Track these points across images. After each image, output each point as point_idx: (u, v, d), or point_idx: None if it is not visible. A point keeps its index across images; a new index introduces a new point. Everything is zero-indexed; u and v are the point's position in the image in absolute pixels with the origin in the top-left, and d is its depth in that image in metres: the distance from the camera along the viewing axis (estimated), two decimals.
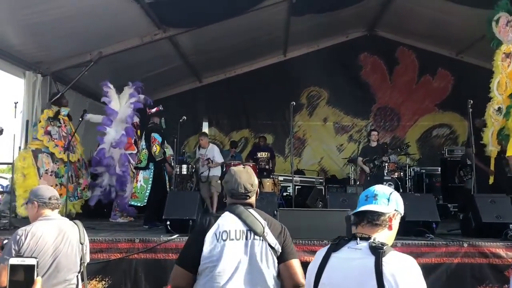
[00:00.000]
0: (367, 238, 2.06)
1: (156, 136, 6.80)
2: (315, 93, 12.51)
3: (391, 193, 2.17)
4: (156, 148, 6.75)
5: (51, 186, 6.62)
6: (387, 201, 2.13)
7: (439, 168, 10.50)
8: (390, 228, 2.12)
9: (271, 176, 9.74)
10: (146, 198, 6.87)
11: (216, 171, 8.70)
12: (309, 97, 12.51)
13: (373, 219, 2.10)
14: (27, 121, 7.82)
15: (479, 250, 4.72)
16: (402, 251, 4.81)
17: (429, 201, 5.71)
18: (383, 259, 1.95)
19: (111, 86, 8.02)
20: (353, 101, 12.27)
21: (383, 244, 2.00)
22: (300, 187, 10.43)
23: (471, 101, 6.39)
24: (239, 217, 2.51)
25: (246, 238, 2.47)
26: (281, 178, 10.41)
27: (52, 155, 7.22)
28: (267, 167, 10.23)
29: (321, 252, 2.14)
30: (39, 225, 3.35)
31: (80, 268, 3.43)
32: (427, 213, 5.46)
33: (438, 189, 10.24)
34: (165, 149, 7.05)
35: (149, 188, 6.87)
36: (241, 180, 2.59)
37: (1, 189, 10.89)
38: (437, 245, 4.86)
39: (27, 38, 7.39)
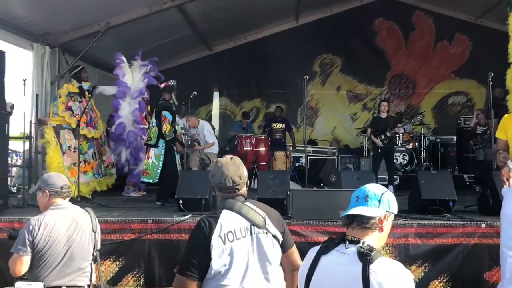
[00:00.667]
0: (356, 242, 2.03)
1: (166, 114, 6.71)
2: (328, 61, 12.31)
3: (382, 194, 2.11)
4: (166, 127, 6.68)
5: (75, 162, 6.68)
6: (378, 202, 2.09)
7: (455, 138, 10.35)
8: (381, 230, 2.08)
9: (285, 148, 9.67)
10: (158, 175, 6.85)
11: (214, 149, 8.34)
12: (322, 64, 12.32)
13: (363, 222, 2.06)
14: (37, 95, 7.77)
15: (497, 231, 4.65)
16: (417, 232, 4.82)
17: (446, 178, 5.61)
18: (371, 266, 1.92)
19: (124, 58, 7.89)
20: (367, 69, 12.03)
21: (371, 250, 1.97)
22: (313, 158, 10.39)
23: (492, 73, 6.19)
24: (239, 213, 2.43)
25: (251, 234, 2.42)
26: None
27: (73, 131, 7.06)
28: (281, 138, 10.16)
29: (312, 253, 2.13)
30: (52, 215, 3.34)
31: (93, 256, 3.44)
32: (444, 191, 5.38)
33: (454, 160, 10.14)
34: (175, 127, 6.97)
35: (160, 165, 6.86)
36: (229, 173, 2.49)
37: (16, 159, 10.87)
38: (454, 225, 4.79)
39: (33, 8, 7.25)
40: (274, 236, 2.47)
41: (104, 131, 8.02)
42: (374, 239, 2.08)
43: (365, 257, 1.95)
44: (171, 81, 7.08)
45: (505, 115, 4.13)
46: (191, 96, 7.09)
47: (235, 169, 2.51)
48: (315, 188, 7.42)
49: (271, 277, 2.45)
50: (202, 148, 8.10)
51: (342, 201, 5.01)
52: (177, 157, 6.98)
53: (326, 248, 2.10)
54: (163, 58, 10.48)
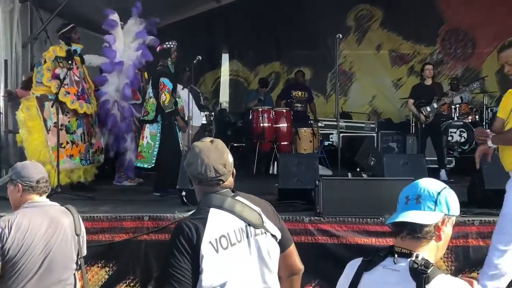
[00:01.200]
0: (407, 255, 1.96)
1: (165, 82, 6.65)
2: (365, 13, 12.23)
3: (439, 193, 2.00)
4: (165, 97, 6.62)
5: (62, 142, 6.66)
6: (434, 204, 1.98)
7: None
8: (438, 238, 2.00)
9: (310, 124, 9.59)
10: (154, 158, 6.83)
11: (195, 121, 8.06)
12: (357, 18, 12.24)
13: (415, 230, 1.97)
14: (5, 61, 7.76)
15: None
16: (479, 231, 4.73)
17: None
18: (427, 286, 1.85)
19: (117, 18, 7.73)
20: (414, 22, 11.94)
21: (427, 265, 1.89)
22: (346, 135, 10.33)
23: None
24: (232, 211, 2.36)
25: (248, 237, 2.36)
26: (321, 124, 10.31)
27: (62, 104, 6.82)
28: (304, 109, 10.11)
29: (351, 269, 2.07)
30: (25, 214, 3.32)
31: (77, 264, 3.43)
32: None
33: None
34: (176, 99, 6.92)
35: (157, 146, 6.82)
36: (209, 161, 2.39)
37: None
38: None
39: None
40: (273, 236, 2.43)
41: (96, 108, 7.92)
42: (430, 251, 2.00)
43: (420, 274, 1.88)
44: (168, 43, 6.96)
45: (510, 89, 4.12)
46: (194, 62, 7.00)
47: (218, 155, 2.42)
48: (350, 176, 7.39)
49: (271, 283, 2.42)
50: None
51: (385, 192, 4.93)
52: (180, 135, 6.93)
53: (369, 263, 2.02)
54: (159, 12, 10.37)
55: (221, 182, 2.41)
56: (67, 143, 6.92)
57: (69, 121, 7.00)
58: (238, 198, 2.42)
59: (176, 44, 6.97)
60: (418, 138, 8.21)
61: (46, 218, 3.35)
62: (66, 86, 6.92)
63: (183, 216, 4.87)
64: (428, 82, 8.23)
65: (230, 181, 2.45)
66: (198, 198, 2.47)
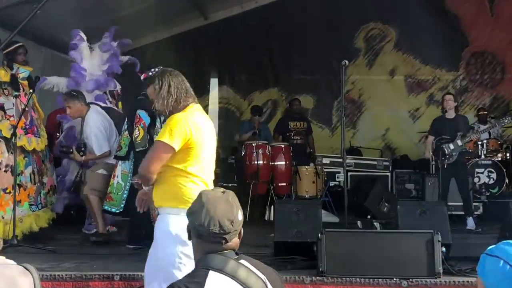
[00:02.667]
0: None
1: (142, 115, 6.62)
2: (377, 32, 12.28)
3: None
4: (138, 132, 6.59)
5: (6, 188, 6.56)
6: None
7: None
8: None
9: (312, 160, 9.61)
10: (124, 201, 6.79)
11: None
12: (368, 38, 12.29)
13: None
14: None
15: None
16: None
17: None
18: None
19: (84, 36, 7.84)
20: (434, 44, 11.94)
21: None
22: (355, 174, 10.34)
23: None
24: (234, 277, 2.33)
25: None
26: (326, 161, 10.28)
27: (6, 140, 6.72)
28: (304, 143, 10.17)
29: None
30: None
31: None
32: None
33: None
34: (153, 136, 6.90)
35: (127, 188, 6.79)
36: (216, 214, 2.39)
37: None
38: None
39: None
40: None
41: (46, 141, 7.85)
42: None
43: None
44: (154, 70, 6.99)
45: None
46: None
47: (227, 209, 2.42)
48: (359, 224, 7.37)
49: None
50: (85, 160, 7.48)
51: (400, 247, 4.95)
52: None
53: None
54: (137, 31, 10.46)
55: (224, 241, 2.39)
56: (13, 187, 6.62)
57: (17, 160, 6.67)
58: (242, 261, 2.40)
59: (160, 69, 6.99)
60: (439, 179, 8.18)
61: (2, 281, 3.30)
62: (12, 118, 6.86)
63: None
64: (451, 114, 8.23)
65: (235, 242, 2.44)
66: (195, 256, 2.46)
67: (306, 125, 10.35)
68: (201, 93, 12.37)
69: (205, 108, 12.44)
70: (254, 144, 9.18)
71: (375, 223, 7.51)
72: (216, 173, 10.78)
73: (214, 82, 12.59)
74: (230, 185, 10.24)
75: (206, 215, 2.38)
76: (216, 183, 10.78)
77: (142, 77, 6.96)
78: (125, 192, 6.83)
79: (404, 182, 10.32)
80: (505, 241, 2.10)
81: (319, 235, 4.98)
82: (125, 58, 7.85)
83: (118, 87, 8.15)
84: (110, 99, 8.05)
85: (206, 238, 2.39)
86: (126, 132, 6.87)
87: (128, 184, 6.81)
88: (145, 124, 6.65)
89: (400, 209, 5.86)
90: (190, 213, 2.45)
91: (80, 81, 7.83)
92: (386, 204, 8.15)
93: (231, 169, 10.54)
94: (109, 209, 6.96)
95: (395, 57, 12.31)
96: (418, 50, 12.18)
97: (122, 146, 6.91)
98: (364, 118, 12.34)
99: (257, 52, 12.28)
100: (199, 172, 3.77)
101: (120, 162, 6.92)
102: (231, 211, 2.43)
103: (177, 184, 3.70)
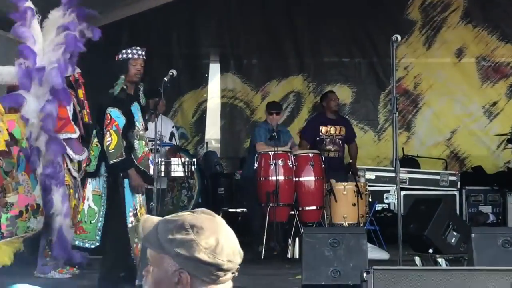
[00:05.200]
0: None
1: (113, 114, 6.66)
2: (437, 1, 12.26)
3: None
4: (110, 139, 6.62)
5: None
6: None
7: None
8: None
9: (352, 175, 9.60)
10: (99, 232, 6.82)
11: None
12: (426, 6, 12.32)
13: None
14: None
15: None
16: None
17: None
18: None
19: (31, 5, 7.85)
20: None
21: None
22: (411, 194, 10.30)
23: None
24: None
25: None
26: (371, 176, 10.33)
27: None
28: (340, 154, 10.14)
29: None
30: None
31: None
32: None
33: None
34: (133, 141, 6.89)
35: (102, 214, 6.85)
36: (230, 242, 2.47)
37: None
38: None
39: None
40: None
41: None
42: None
43: None
44: (125, 51, 7.01)
45: None
46: (165, 78, 7.06)
47: (235, 238, 2.48)
48: (418, 262, 7.33)
49: None
50: None
51: None
52: (134, 199, 6.91)
53: None
54: (111, 1, 10.49)
55: (222, 278, 2.44)
56: None
57: None
58: None
59: (141, 53, 6.99)
60: None
61: None
62: None
63: None
64: None
65: (228, 278, 2.48)
66: None
67: (345, 130, 10.23)
68: (197, 84, 12.42)
69: (203, 104, 12.52)
70: (271, 154, 9.11)
71: (439, 260, 7.55)
72: (217, 194, 10.91)
73: (214, 69, 12.65)
74: (238, 210, 10.25)
75: (228, 247, 2.43)
76: (217, 207, 10.91)
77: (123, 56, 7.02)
78: (100, 220, 6.85)
79: (478, 203, 10.33)
80: None
81: (365, 275, 4.93)
82: (83, 26, 7.81)
83: (76, 70, 8.11)
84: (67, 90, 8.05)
85: (204, 274, 2.42)
86: (96, 140, 6.91)
87: (103, 208, 6.83)
88: (119, 127, 6.67)
89: (475, 239, 5.84)
90: (182, 243, 2.45)
91: (31, 72, 7.79)
92: (455, 233, 8.07)
93: (238, 188, 10.58)
94: (82, 244, 6.97)
95: (464, 32, 12.34)
96: (495, 22, 12.22)
97: (91, 158, 6.94)
98: (422, 117, 12.33)
99: (274, 27, 12.35)
100: None
101: (89, 180, 6.97)
102: (237, 241, 2.47)
103: None
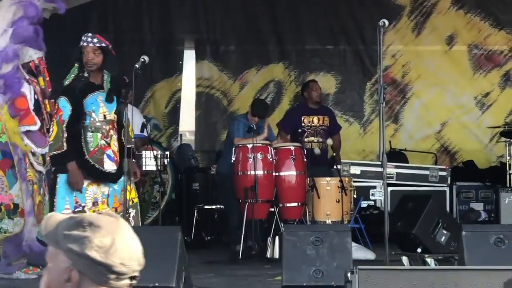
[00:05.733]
0: None
1: (60, 104, 6.75)
2: None
3: None
4: (52, 130, 6.71)
5: None
6: None
7: None
8: None
9: (337, 170, 9.64)
10: None
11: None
12: None
13: None
14: None
15: None
16: None
17: None
18: None
19: None
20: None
21: None
22: (398, 190, 10.35)
23: None
24: None
25: None
26: (356, 171, 10.37)
27: None
28: (324, 147, 10.15)
29: None
30: None
31: None
32: None
33: None
34: (84, 132, 6.85)
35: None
36: (130, 248, 2.50)
37: None
38: None
39: None
40: None
41: None
42: None
43: None
44: (84, 36, 6.99)
45: None
46: (136, 65, 7.02)
47: (137, 244, 2.52)
48: (405, 262, 7.36)
49: None
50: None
51: None
52: (78, 195, 6.92)
53: None
54: None
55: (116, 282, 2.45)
56: None
57: None
58: None
59: (92, 40, 6.97)
60: None
61: None
62: None
63: None
64: None
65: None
66: None
67: (328, 121, 10.26)
68: (170, 72, 12.39)
69: (176, 94, 12.49)
70: (249, 146, 9.12)
71: (428, 259, 7.61)
72: (192, 190, 10.89)
73: (189, 56, 12.66)
74: (214, 207, 10.24)
75: (110, 243, 2.45)
76: (192, 204, 10.93)
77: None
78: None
79: (469, 200, 10.40)
80: None
81: (349, 275, 4.94)
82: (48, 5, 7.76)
83: (39, 54, 8.07)
84: (27, 77, 7.99)
85: (94, 274, 2.45)
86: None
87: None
88: (62, 117, 6.67)
89: (466, 237, 5.86)
90: (76, 239, 2.47)
91: None
92: (444, 231, 8.12)
93: (214, 183, 10.60)
94: (40, 237, 6.95)
95: (454, 18, 12.40)
96: (488, 8, 12.27)
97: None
98: (411, 108, 12.40)
99: (253, 11, 12.39)
100: None
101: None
102: (138, 247, 2.52)
103: None
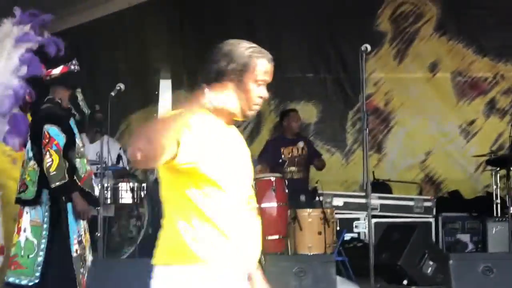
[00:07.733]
0: None
1: (52, 132, 6.63)
2: (410, 9, 12.44)
3: None
4: (51, 160, 6.57)
5: None
6: None
7: None
8: None
9: (319, 202, 9.60)
10: (39, 269, 6.70)
11: None
12: (397, 17, 12.46)
13: None
14: None
15: None
16: None
17: None
18: None
19: None
20: (495, 25, 12.15)
21: None
22: (382, 222, 10.32)
23: None
24: None
25: None
26: (338, 203, 10.38)
27: None
28: (304, 176, 10.25)
29: None
30: None
31: None
32: None
33: None
34: (74, 160, 6.82)
35: (43, 247, 6.74)
36: None
37: None
38: None
39: None
40: None
41: None
42: None
43: None
44: (71, 63, 6.97)
45: None
46: (112, 93, 7.00)
47: None
48: None
49: None
50: None
51: None
52: (78, 224, 6.88)
53: None
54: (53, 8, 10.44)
55: None
56: None
57: None
58: None
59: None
60: (510, 224, 8.16)
61: None
62: None
63: None
64: None
65: None
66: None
67: (306, 149, 10.33)
68: (144, 103, 12.37)
69: None
70: None
71: None
72: None
73: (165, 86, 12.63)
74: None
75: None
76: None
77: (58, 71, 6.96)
78: (41, 253, 6.74)
79: (456, 231, 10.40)
80: None
81: None
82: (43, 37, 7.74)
83: (27, 90, 8.06)
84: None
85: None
86: (32, 162, 6.85)
87: (44, 241, 6.73)
88: (59, 146, 6.61)
89: (454, 267, 5.86)
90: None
91: None
92: (431, 262, 8.13)
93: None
94: (17, 281, 6.82)
95: (437, 45, 12.45)
96: (471, 35, 12.34)
97: (27, 183, 6.85)
98: (394, 137, 12.42)
99: (231, 37, 12.24)
100: None
101: (26, 208, 6.86)
102: None
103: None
